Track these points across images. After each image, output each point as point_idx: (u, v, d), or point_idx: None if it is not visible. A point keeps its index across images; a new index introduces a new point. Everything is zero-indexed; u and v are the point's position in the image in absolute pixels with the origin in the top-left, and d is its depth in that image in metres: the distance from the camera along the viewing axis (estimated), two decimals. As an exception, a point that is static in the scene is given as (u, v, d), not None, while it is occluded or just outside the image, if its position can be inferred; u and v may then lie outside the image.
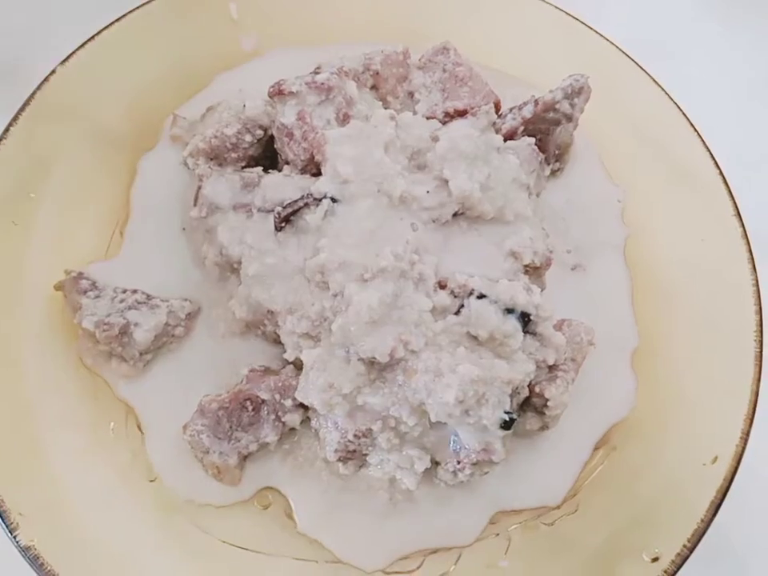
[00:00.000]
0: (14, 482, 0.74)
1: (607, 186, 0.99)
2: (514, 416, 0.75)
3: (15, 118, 0.88)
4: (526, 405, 0.80)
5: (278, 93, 0.83)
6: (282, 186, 0.82)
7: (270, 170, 0.86)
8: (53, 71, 0.91)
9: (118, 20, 0.95)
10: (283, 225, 0.79)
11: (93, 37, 0.94)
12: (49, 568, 0.71)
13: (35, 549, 0.71)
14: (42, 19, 1.15)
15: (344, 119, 0.84)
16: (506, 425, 0.74)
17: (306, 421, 0.79)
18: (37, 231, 0.88)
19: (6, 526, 0.71)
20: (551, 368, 0.80)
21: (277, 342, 0.82)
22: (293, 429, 0.80)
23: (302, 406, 0.77)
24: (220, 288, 0.86)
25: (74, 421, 0.81)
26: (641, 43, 1.02)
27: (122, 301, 0.82)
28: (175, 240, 0.90)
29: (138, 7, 0.96)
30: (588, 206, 0.98)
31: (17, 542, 0.71)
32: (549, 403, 0.78)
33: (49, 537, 0.73)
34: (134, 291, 0.84)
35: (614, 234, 0.96)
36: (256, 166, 0.87)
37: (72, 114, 0.93)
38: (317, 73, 0.85)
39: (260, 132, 0.86)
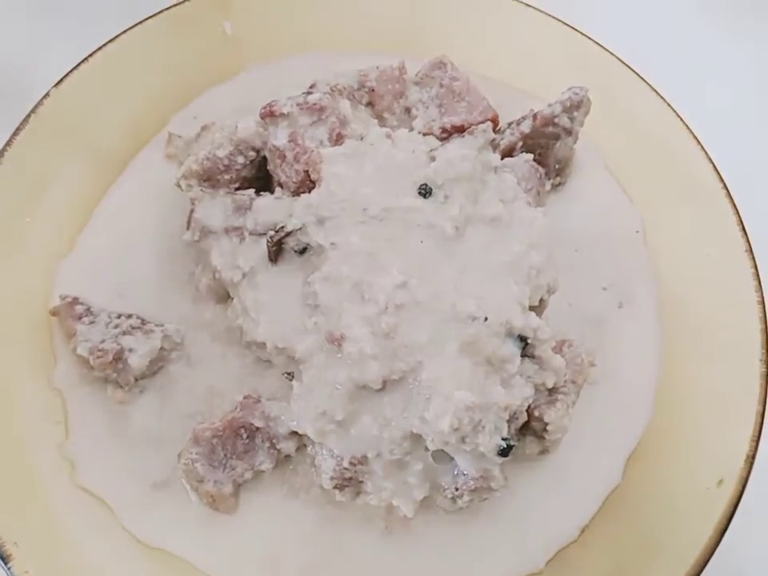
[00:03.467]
0: (8, 511, 0.74)
1: (625, 210, 0.97)
2: (512, 442, 0.73)
3: (9, 142, 0.87)
4: (525, 429, 0.79)
5: (269, 114, 0.82)
6: (274, 208, 0.81)
7: (261, 193, 0.85)
8: (47, 94, 0.90)
9: (111, 40, 0.95)
10: (275, 250, 0.78)
11: (86, 58, 0.93)
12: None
13: (30, 581, 0.70)
14: (36, 42, 1.15)
15: (337, 139, 0.83)
16: (504, 452, 0.72)
17: (301, 447, 0.78)
18: (32, 255, 0.87)
19: (0, 556, 0.71)
20: (551, 391, 0.79)
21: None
22: (288, 456, 0.78)
23: (296, 433, 0.76)
24: (213, 310, 0.86)
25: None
26: (642, 54, 1.00)
27: (116, 326, 0.82)
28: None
29: (131, 27, 0.95)
30: (607, 235, 0.96)
31: (11, 573, 0.70)
32: (548, 427, 0.77)
33: (44, 567, 0.72)
34: (129, 316, 0.83)
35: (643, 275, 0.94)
36: (249, 187, 0.86)
37: (68, 136, 0.92)
38: (309, 92, 0.84)
39: (252, 153, 0.85)
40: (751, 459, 0.77)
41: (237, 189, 0.86)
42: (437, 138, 0.91)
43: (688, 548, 0.74)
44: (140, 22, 0.96)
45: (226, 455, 0.77)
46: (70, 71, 0.93)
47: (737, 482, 0.76)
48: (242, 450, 0.77)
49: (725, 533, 0.74)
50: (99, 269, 0.89)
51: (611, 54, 0.99)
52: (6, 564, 0.71)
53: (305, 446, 0.78)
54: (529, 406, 0.76)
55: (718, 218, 0.90)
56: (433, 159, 0.81)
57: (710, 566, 0.73)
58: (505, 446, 0.72)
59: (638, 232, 0.96)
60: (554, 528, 0.80)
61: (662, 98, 0.96)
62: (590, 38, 1.00)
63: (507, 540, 0.79)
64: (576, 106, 0.89)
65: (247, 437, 0.76)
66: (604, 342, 0.89)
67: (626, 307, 0.91)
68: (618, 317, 0.91)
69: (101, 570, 0.75)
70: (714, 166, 0.91)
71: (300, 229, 0.78)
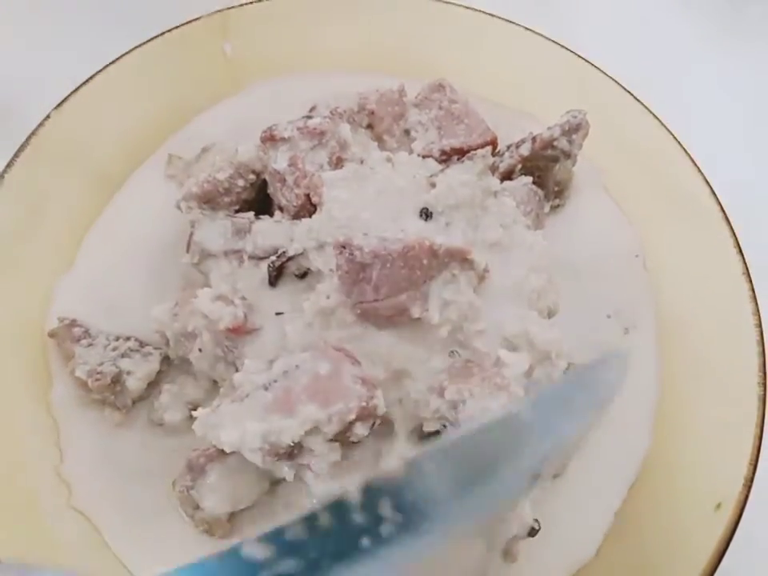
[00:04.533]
0: (3, 527, 0.74)
1: (624, 234, 0.98)
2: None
3: (10, 165, 0.87)
4: None
5: (269, 138, 0.83)
6: (273, 232, 0.81)
7: (261, 216, 0.85)
8: (47, 116, 0.91)
9: (112, 63, 0.95)
10: (276, 275, 0.78)
11: (87, 81, 0.93)
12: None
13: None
14: (37, 65, 1.15)
15: (337, 163, 0.83)
16: (533, 532, 0.73)
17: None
18: (32, 276, 0.88)
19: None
20: None
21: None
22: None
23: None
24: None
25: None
26: (640, 76, 1.01)
27: (114, 349, 0.82)
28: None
29: (131, 50, 0.96)
30: (607, 260, 0.96)
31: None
32: None
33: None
34: (127, 339, 0.83)
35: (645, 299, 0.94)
36: (249, 209, 0.86)
37: (68, 158, 0.92)
38: (309, 116, 0.85)
39: (252, 176, 0.85)
40: (749, 482, 0.77)
41: (236, 211, 0.86)
42: (436, 160, 0.91)
43: (687, 571, 0.73)
44: (140, 45, 0.97)
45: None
46: (71, 94, 0.93)
47: (735, 505, 0.76)
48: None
49: (723, 556, 0.74)
50: (94, 289, 0.89)
51: (609, 77, 0.99)
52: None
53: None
54: None
55: (715, 241, 0.90)
56: (433, 185, 0.82)
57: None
58: (537, 527, 0.73)
59: (637, 256, 0.96)
60: (567, 555, 0.80)
61: (659, 120, 0.96)
62: (588, 61, 1.01)
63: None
64: (575, 128, 0.90)
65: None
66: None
67: (632, 333, 0.92)
68: (624, 341, 0.91)
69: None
70: (711, 189, 0.91)
71: (302, 254, 0.78)
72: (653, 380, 0.89)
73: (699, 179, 0.93)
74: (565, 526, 0.81)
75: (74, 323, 0.84)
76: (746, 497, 0.76)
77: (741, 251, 0.88)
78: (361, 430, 0.70)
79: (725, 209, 0.91)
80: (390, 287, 0.72)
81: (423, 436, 0.77)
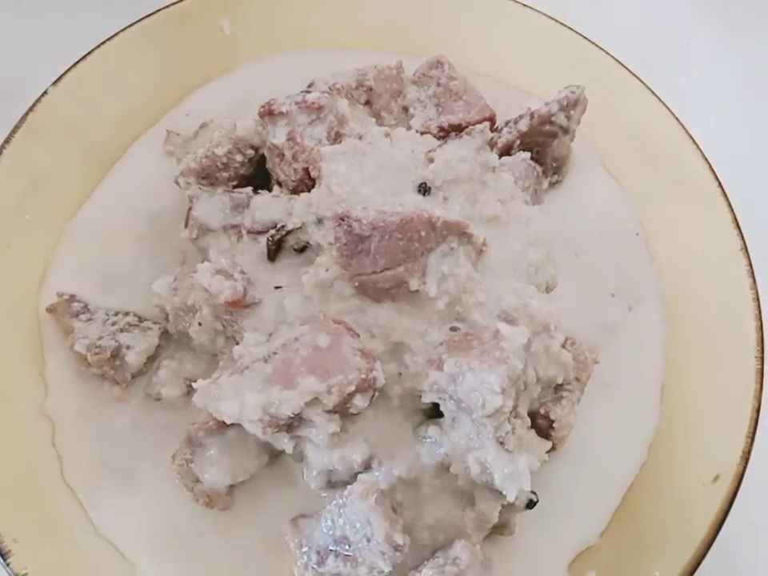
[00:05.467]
0: (8, 508, 0.74)
1: (624, 211, 0.98)
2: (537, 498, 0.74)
3: (8, 140, 0.88)
4: (531, 427, 0.79)
5: (268, 113, 0.83)
6: (272, 206, 0.81)
7: (259, 191, 0.85)
8: (45, 92, 0.91)
9: (109, 39, 0.95)
10: (275, 249, 0.78)
11: (84, 57, 0.93)
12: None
13: (28, 576, 0.70)
14: (33, 42, 1.15)
15: (336, 138, 0.83)
16: (531, 504, 0.73)
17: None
18: (30, 253, 0.88)
19: (0, 552, 0.71)
20: (556, 388, 0.80)
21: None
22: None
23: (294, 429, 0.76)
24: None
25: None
26: (639, 53, 1.01)
27: (113, 323, 0.82)
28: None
29: (129, 26, 0.96)
30: (607, 238, 0.96)
31: (10, 569, 0.70)
32: (555, 425, 0.77)
33: (43, 564, 0.72)
34: (126, 314, 0.84)
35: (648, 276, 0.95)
36: (248, 185, 0.86)
37: (65, 134, 0.93)
38: (308, 92, 0.84)
39: (251, 152, 0.85)
40: (747, 455, 0.78)
41: (235, 187, 0.86)
42: (434, 136, 0.91)
43: (686, 542, 0.74)
44: (138, 21, 0.97)
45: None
46: (68, 69, 0.93)
47: (733, 477, 0.76)
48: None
49: (721, 527, 0.75)
50: (90, 264, 0.89)
51: (607, 53, 0.99)
52: (5, 560, 0.71)
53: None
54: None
55: (713, 217, 0.90)
56: (431, 161, 0.82)
57: (706, 560, 0.73)
58: (535, 499, 0.73)
59: (637, 234, 0.96)
60: (578, 531, 0.81)
61: (658, 98, 0.96)
62: (587, 38, 1.00)
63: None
64: (573, 104, 0.90)
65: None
66: (617, 345, 0.89)
67: (636, 309, 0.92)
68: (629, 318, 0.91)
69: (98, 567, 0.76)
70: (709, 165, 0.92)
71: (300, 228, 0.78)
72: (659, 358, 0.90)
73: (698, 156, 0.93)
74: (572, 505, 0.81)
75: (72, 298, 0.84)
76: (744, 469, 0.77)
77: (739, 227, 0.89)
78: (360, 401, 0.71)
79: (723, 186, 0.91)
80: (388, 259, 0.72)
81: (421, 407, 0.77)
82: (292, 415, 0.69)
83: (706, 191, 0.91)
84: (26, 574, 0.70)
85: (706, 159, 0.92)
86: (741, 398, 0.81)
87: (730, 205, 0.90)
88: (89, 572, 0.75)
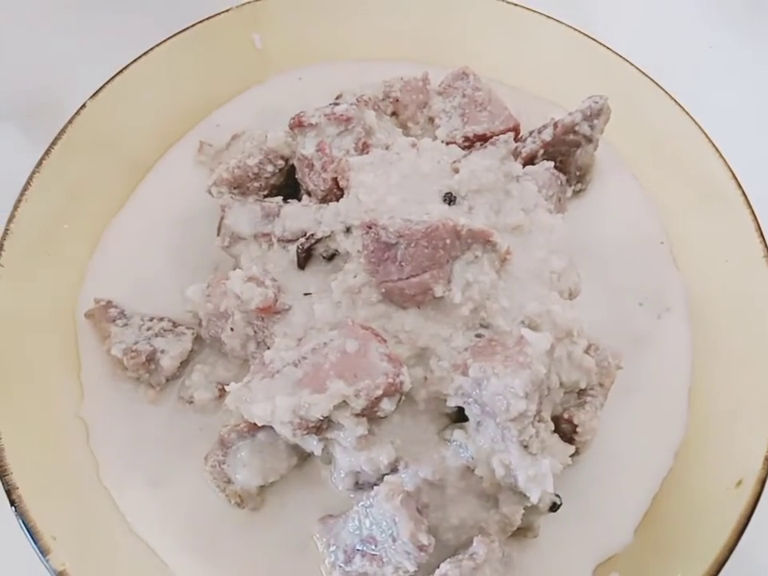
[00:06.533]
0: (46, 507, 0.76)
1: (649, 220, 0.99)
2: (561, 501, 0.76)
3: (48, 152, 0.91)
4: (555, 431, 0.80)
5: (297, 125, 0.85)
6: (301, 215, 0.83)
7: (289, 200, 0.88)
8: (83, 105, 0.94)
9: (146, 53, 0.98)
10: (304, 256, 0.81)
11: (121, 70, 0.97)
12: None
13: (67, 573, 0.72)
14: (73, 57, 1.18)
15: (363, 148, 0.85)
16: (554, 507, 0.75)
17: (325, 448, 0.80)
18: (68, 260, 0.91)
19: (39, 549, 0.73)
20: (579, 394, 0.81)
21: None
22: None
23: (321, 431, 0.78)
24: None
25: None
26: (661, 63, 1.02)
27: (148, 329, 0.85)
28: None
29: (163, 41, 0.99)
30: (633, 247, 0.97)
31: (49, 565, 0.73)
32: (578, 429, 0.79)
33: (80, 561, 0.74)
34: (161, 319, 0.86)
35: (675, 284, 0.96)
36: (278, 194, 0.89)
37: (102, 146, 0.96)
38: (336, 104, 0.87)
39: (281, 162, 0.88)
40: (769, 460, 0.78)
41: (266, 196, 0.89)
42: (459, 146, 0.93)
43: (709, 545, 0.75)
44: (172, 36, 1.00)
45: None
46: (106, 83, 0.96)
47: (756, 482, 0.77)
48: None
49: (744, 531, 0.75)
50: (125, 271, 0.92)
51: (631, 63, 1.01)
52: (44, 556, 0.73)
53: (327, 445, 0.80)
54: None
55: (737, 225, 0.91)
56: (456, 171, 0.84)
57: (729, 563, 0.74)
58: (558, 502, 0.75)
59: (662, 243, 0.97)
60: (604, 536, 0.82)
61: (681, 106, 0.97)
62: (609, 48, 1.02)
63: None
64: (596, 114, 0.91)
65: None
66: (646, 352, 0.91)
67: (664, 317, 0.93)
68: (658, 327, 0.92)
69: (132, 564, 0.78)
70: (732, 173, 0.92)
71: (329, 236, 0.80)
72: (687, 364, 0.91)
73: (721, 164, 0.94)
74: (599, 510, 0.83)
75: (109, 304, 0.87)
76: (767, 473, 0.78)
77: (762, 235, 0.89)
78: (387, 405, 0.73)
79: (746, 194, 0.92)
80: (414, 266, 0.74)
81: (446, 412, 0.79)
82: (321, 418, 0.71)
83: (729, 200, 0.92)
84: (64, 570, 0.73)
85: (729, 167, 0.93)
86: (764, 403, 0.82)
87: (753, 213, 0.90)
88: (124, 569, 0.77)
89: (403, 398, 0.75)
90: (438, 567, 0.72)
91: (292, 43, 1.05)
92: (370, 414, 0.73)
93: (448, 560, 0.72)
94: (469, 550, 0.72)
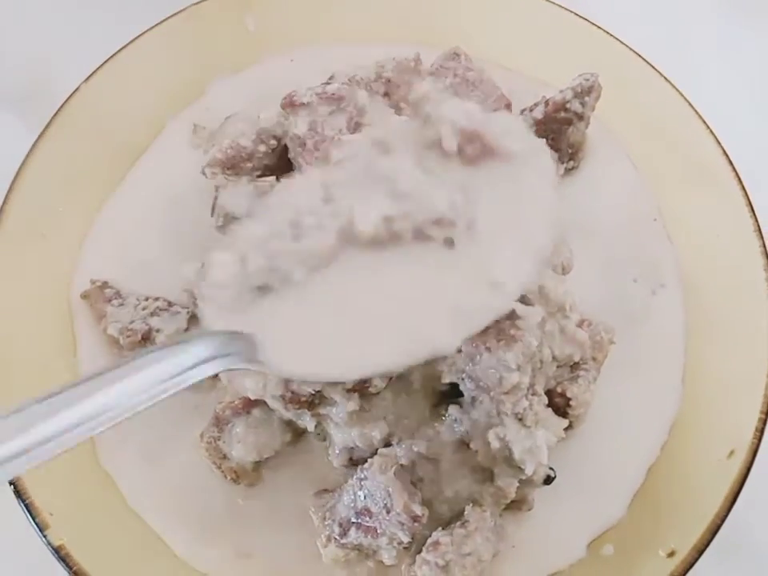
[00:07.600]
0: (43, 484, 0.76)
1: (641, 196, 0.99)
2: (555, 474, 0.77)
3: (42, 135, 0.91)
4: (548, 405, 0.81)
5: (289, 104, 0.86)
6: (294, 194, 0.84)
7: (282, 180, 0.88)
8: (76, 89, 0.94)
9: (138, 36, 0.99)
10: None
11: (113, 55, 0.97)
12: (78, 567, 0.72)
13: (65, 548, 0.73)
14: (64, 42, 1.19)
15: (355, 128, 0.85)
16: (548, 480, 0.76)
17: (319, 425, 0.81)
18: (63, 242, 0.92)
19: (37, 526, 0.74)
20: (572, 368, 0.82)
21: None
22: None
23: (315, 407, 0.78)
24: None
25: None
26: (651, 40, 1.02)
27: (144, 308, 0.85)
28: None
29: (156, 24, 0.99)
30: (626, 223, 0.97)
31: (47, 540, 0.73)
32: (571, 402, 0.79)
33: (77, 536, 0.75)
34: (156, 299, 0.87)
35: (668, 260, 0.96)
36: (271, 175, 0.89)
37: (95, 128, 0.96)
38: (328, 83, 0.87)
39: (274, 142, 0.88)
40: (760, 432, 0.79)
41: (259, 176, 0.89)
42: (451, 125, 0.93)
43: (701, 515, 0.75)
44: (164, 20, 1.00)
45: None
46: (99, 67, 0.96)
47: (747, 452, 0.78)
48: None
49: (736, 499, 0.76)
50: (120, 252, 0.93)
51: (620, 41, 1.01)
52: (42, 532, 0.74)
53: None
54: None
55: (728, 200, 0.91)
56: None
57: (722, 531, 0.74)
58: (552, 474, 0.76)
59: (655, 220, 0.98)
60: (598, 509, 0.83)
61: (671, 83, 0.97)
62: (601, 27, 1.02)
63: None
64: (587, 91, 0.91)
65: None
66: (642, 328, 0.91)
67: (659, 293, 0.93)
68: (652, 303, 0.93)
69: (129, 538, 0.79)
70: (723, 149, 0.93)
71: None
72: (681, 340, 0.91)
73: (711, 140, 0.94)
74: (593, 485, 0.83)
75: (105, 284, 0.88)
76: (758, 444, 0.78)
77: (753, 209, 0.90)
78: (378, 381, 0.73)
79: (737, 169, 0.92)
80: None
81: (441, 389, 0.79)
82: (313, 392, 0.72)
83: (720, 175, 0.92)
84: (62, 544, 0.73)
85: (720, 143, 0.93)
86: (755, 376, 0.82)
87: (743, 188, 0.91)
88: (121, 544, 0.78)
89: (395, 374, 0.75)
90: (431, 535, 0.72)
91: (284, 25, 1.06)
92: (361, 390, 0.74)
93: (440, 528, 0.73)
94: (461, 519, 0.73)
